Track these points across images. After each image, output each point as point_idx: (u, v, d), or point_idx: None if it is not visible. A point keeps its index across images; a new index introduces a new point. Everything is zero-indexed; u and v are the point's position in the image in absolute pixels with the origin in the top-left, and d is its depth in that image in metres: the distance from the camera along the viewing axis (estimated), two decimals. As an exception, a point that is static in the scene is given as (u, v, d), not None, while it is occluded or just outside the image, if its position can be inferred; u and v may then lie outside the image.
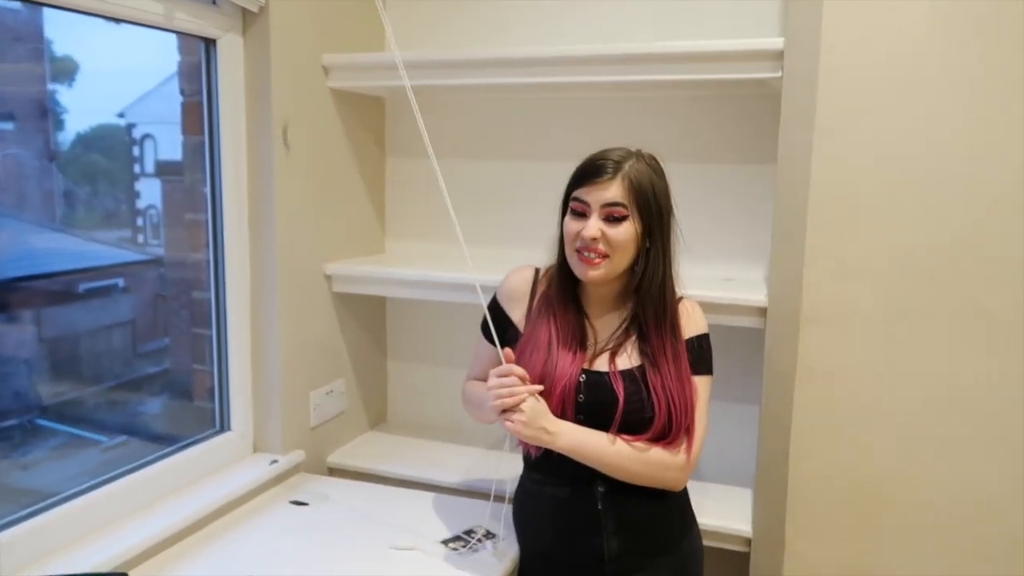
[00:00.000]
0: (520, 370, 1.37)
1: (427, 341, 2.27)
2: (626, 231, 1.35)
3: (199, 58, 1.72)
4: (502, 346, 1.43)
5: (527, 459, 1.52)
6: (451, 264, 1.94)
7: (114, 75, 1.62)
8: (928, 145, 1.58)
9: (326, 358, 2.02)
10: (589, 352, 1.44)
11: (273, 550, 1.53)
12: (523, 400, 1.34)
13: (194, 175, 1.77)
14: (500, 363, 1.39)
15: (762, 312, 1.69)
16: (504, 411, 1.35)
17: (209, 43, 1.70)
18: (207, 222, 1.77)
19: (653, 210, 1.37)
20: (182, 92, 1.76)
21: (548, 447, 1.37)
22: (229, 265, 1.78)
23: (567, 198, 1.42)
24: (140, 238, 1.80)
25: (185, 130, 1.77)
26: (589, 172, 1.37)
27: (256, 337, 1.83)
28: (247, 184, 1.78)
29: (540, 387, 1.37)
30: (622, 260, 1.38)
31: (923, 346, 1.64)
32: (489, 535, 1.58)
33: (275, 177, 1.76)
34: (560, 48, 1.76)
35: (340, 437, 2.11)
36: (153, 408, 1.86)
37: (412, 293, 1.98)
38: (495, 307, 1.53)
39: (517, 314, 1.51)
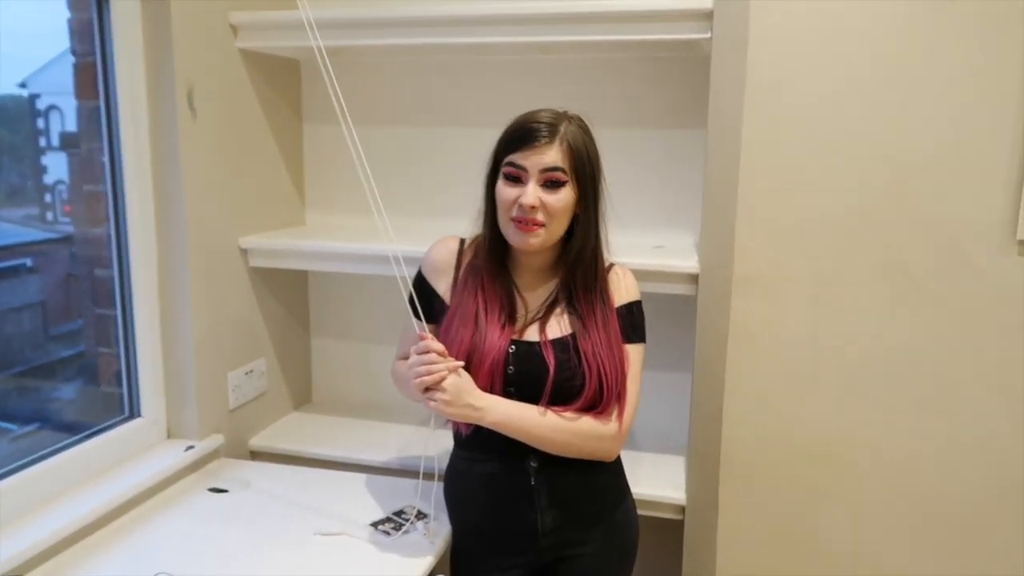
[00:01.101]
0: (438, 345, 1.31)
1: (352, 317, 2.19)
2: (565, 197, 1.30)
3: (91, 14, 1.58)
4: (430, 320, 1.38)
5: (457, 436, 1.47)
6: (375, 237, 1.86)
7: (12, 42, 1.48)
8: (857, 107, 1.57)
9: (244, 337, 1.92)
10: (519, 322, 1.39)
11: (190, 542, 1.44)
12: (444, 378, 1.29)
13: (91, 144, 1.64)
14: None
15: (694, 279, 1.67)
16: (427, 390, 1.29)
17: (101, -4, 1.57)
18: (106, 194, 1.65)
19: (588, 174, 1.32)
20: (74, 52, 1.63)
21: (477, 423, 1.32)
22: (132, 240, 1.67)
23: (496, 163, 1.35)
24: (48, 215, 1.69)
25: (79, 94, 1.64)
26: (523, 136, 1.30)
27: (166, 316, 1.73)
28: (149, 152, 1.66)
29: (461, 363, 1.32)
30: (559, 227, 1.34)
31: (854, 309, 1.65)
32: (421, 515, 1.53)
33: (180, 144, 1.64)
34: (482, 6, 1.68)
35: (262, 419, 2.02)
36: (66, 394, 1.76)
37: (334, 267, 1.90)
38: (420, 279, 1.46)
39: (443, 286, 1.44)
